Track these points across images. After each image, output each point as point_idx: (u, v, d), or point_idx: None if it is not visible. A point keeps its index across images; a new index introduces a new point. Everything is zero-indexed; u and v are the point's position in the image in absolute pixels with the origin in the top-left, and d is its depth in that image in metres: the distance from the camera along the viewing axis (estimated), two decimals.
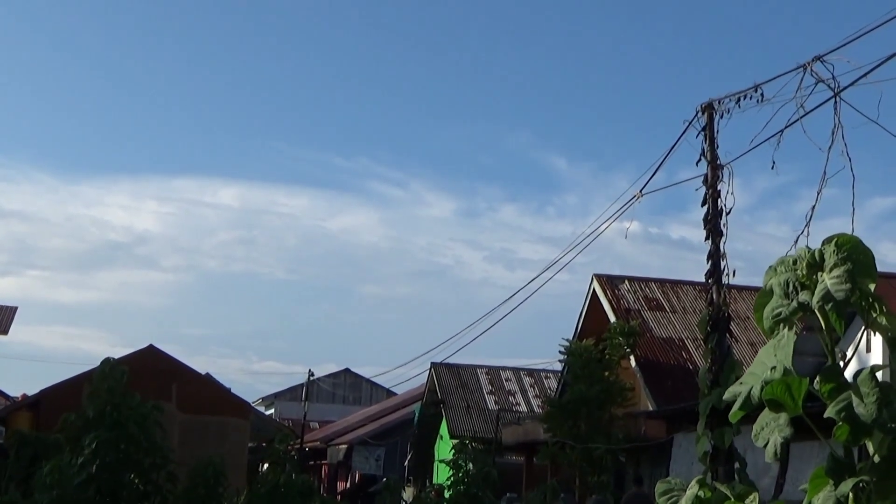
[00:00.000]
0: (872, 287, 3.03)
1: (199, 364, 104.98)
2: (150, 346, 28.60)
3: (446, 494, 23.57)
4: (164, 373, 26.62)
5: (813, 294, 3.04)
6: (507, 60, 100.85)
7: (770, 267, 3.21)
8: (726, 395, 3.21)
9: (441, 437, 40.68)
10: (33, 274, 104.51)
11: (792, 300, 3.10)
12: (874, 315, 3.01)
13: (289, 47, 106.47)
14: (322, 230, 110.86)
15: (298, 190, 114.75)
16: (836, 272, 3.02)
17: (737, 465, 12.45)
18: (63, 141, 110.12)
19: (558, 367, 31.49)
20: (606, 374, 26.70)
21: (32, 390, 31.86)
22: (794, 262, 3.14)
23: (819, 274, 3.10)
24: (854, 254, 3.05)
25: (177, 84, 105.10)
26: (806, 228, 11.57)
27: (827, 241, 3.09)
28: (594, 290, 30.90)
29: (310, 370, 52.11)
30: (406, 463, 43.09)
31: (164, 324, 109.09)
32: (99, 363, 18.16)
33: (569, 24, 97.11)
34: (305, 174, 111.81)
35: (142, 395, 17.56)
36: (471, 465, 22.02)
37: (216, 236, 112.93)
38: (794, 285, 3.12)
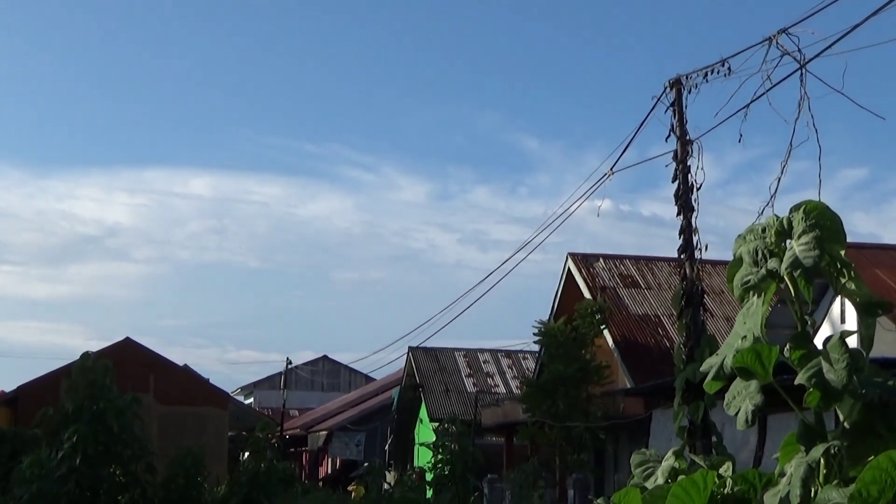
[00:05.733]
0: (842, 252, 3.04)
1: (176, 355, 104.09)
2: (127, 339, 28.52)
3: (428, 477, 23.63)
4: (141, 365, 26.57)
5: (782, 261, 3.05)
6: (475, 41, 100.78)
7: (739, 236, 3.21)
8: (703, 367, 3.21)
9: (421, 421, 40.74)
10: (5, 269, 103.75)
11: (761, 268, 3.10)
12: (843, 281, 3.02)
13: (256, 35, 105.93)
14: (294, 217, 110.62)
15: (269, 178, 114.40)
16: (804, 239, 3.02)
17: (714, 438, 12.57)
18: (32, 135, 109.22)
19: (535, 347, 31.56)
20: (583, 352, 26.77)
21: (10, 386, 31.67)
22: (763, 231, 3.15)
23: (788, 241, 3.11)
24: (822, 220, 3.05)
25: (145, 75, 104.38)
26: (772, 200, 11.66)
27: (795, 208, 3.10)
28: (569, 268, 30.95)
29: (288, 358, 52.12)
30: (386, 447, 43.14)
31: (140, 316, 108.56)
32: (76, 357, 18.12)
33: (536, 3, 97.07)
34: (276, 162, 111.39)
35: (120, 388, 17.53)
36: (455, 446, 22.09)
37: (188, 226, 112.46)
38: (763, 253, 3.12)
